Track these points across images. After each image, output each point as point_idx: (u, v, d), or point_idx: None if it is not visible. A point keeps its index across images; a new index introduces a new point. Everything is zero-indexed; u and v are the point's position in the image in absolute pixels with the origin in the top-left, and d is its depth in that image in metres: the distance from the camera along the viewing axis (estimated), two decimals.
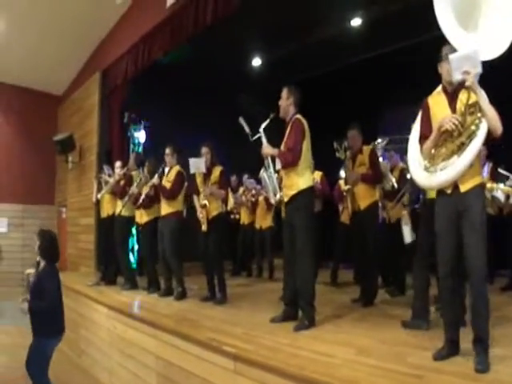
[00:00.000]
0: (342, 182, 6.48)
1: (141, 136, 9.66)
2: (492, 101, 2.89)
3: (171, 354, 4.23)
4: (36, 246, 4.64)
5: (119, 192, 6.74)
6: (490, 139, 2.89)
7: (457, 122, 2.88)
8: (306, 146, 4.26)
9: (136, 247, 8.63)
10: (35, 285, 4.58)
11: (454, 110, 3.00)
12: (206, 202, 5.49)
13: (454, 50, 2.95)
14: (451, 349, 3.00)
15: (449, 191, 2.98)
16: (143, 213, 6.38)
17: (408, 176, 5.49)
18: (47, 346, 4.55)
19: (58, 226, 10.71)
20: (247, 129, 4.78)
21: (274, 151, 4.39)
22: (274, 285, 6.66)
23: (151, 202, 6.22)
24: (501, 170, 5.39)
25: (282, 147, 4.39)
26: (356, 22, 8.08)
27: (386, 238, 5.66)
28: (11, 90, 10.67)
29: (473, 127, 2.86)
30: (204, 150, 5.66)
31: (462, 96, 2.97)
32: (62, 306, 4.73)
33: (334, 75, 9.39)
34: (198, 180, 5.68)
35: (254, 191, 8.22)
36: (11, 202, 10.56)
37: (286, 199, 4.33)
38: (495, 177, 5.39)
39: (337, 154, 5.56)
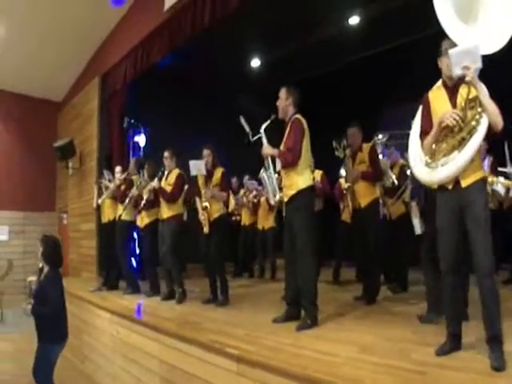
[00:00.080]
0: (342, 181, 6.46)
1: (141, 140, 9.67)
2: (492, 95, 2.86)
3: (174, 357, 4.21)
4: (39, 252, 4.63)
5: (120, 197, 6.73)
6: (490, 134, 2.86)
7: (457, 118, 2.86)
8: (306, 145, 4.25)
9: (137, 251, 8.62)
10: (39, 290, 4.58)
11: (454, 105, 2.98)
12: (207, 204, 5.47)
13: (454, 45, 2.92)
14: (453, 344, 2.98)
15: (450, 187, 2.96)
16: (144, 215, 6.37)
17: (408, 172, 5.48)
18: (51, 351, 4.55)
19: (59, 232, 10.69)
20: (247, 128, 4.77)
21: (274, 151, 4.38)
22: (276, 285, 6.64)
23: (152, 205, 6.20)
24: (500, 169, 5.37)
25: (282, 147, 4.38)
26: (354, 20, 8.10)
27: (387, 234, 5.66)
28: (10, 98, 10.66)
29: (473, 122, 2.84)
30: (205, 151, 5.65)
31: (463, 91, 2.95)
32: (66, 312, 4.74)
33: (333, 74, 9.38)
34: (200, 182, 5.67)
35: (255, 192, 8.21)
36: (12, 210, 10.53)
37: (285, 199, 4.32)
38: (495, 171, 5.38)
39: (336, 153, 5.56)
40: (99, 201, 7.25)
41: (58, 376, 4.69)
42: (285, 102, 4.37)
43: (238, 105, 9.15)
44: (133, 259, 8.24)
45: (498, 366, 2.60)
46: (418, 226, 4.50)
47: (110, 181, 7.23)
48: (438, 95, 3.13)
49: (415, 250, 5.56)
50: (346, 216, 6.63)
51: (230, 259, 8.43)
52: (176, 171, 6.05)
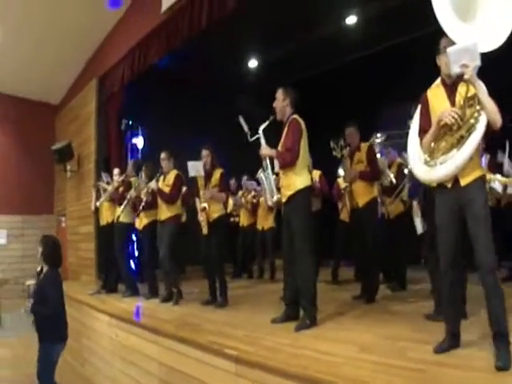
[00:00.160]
0: (340, 181, 6.48)
1: (139, 142, 9.66)
2: (491, 93, 2.84)
3: (173, 359, 4.20)
4: (39, 252, 4.66)
5: (118, 199, 6.72)
6: (489, 132, 2.85)
7: (456, 116, 2.84)
8: (304, 145, 4.25)
9: (136, 254, 8.60)
10: (38, 289, 4.64)
11: (453, 103, 2.97)
12: (205, 205, 5.47)
13: (452, 43, 2.90)
14: (452, 341, 2.98)
15: (449, 185, 2.94)
16: (142, 217, 6.36)
17: (406, 171, 5.48)
18: (53, 351, 4.59)
19: (57, 235, 10.65)
20: (246, 128, 4.76)
21: (272, 152, 4.38)
22: (274, 286, 6.63)
23: (150, 207, 6.19)
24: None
25: (280, 147, 4.38)
26: (351, 20, 8.09)
27: (385, 233, 5.67)
28: (7, 100, 10.65)
29: (472, 120, 2.83)
30: (204, 152, 5.65)
31: (461, 89, 2.93)
32: (65, 312, 4.77)
33: (330, 74, 9.38)
34: (200, 183, 5.66)
35: (253, 193, 8.21)
36: (10, 213, 10.51)
37: (284, 199, 4.31)
38: (493, 168, 5.38)
39: (333, 153, 5.55)
40: (97, 203, 7.23)
41: (57, 379, 4.69)
42: (282, 102, 4.37)
43: (236, 105, 9.14)
44: (131, 261, 8.24)
45: (502, 366, 2.56)
46: (419, 226, 4.49)
47: (108, 183, 7.21)
48: (436, 93, 3.11)
49: (414, 248, 5.57)
50: (344, 216, 6.64)
51: (229, 260, 8.42)
52: (174, 172, 6.05)
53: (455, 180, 2.91)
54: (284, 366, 2.99)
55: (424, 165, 3.04)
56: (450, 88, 3.02)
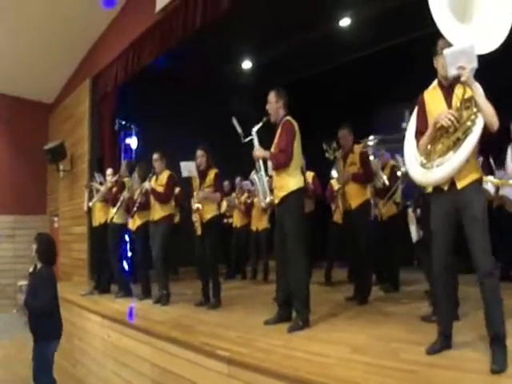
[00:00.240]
0: (333, 182, 6.48)
1: (132, 142, 9.63)
2: (488, 96, 2.83)
3: (165, 360, 4.18)
4: (33, 250, 4.68)
5: (111, 199, 6.69)
6: (486, 134, 2.83)
7: (452, 118, 2.82)
8: (297, 147, 4.25)
9: (129, 254, 8.58)
10: (32, 285, 4.66)
11: (449, 105, 2.95)
12: (198, 205, 5.46)
13: (449, 44, 2.88)
14: (444, 343, 2.99)
15: (445, 188, 2.93)
16: (136, 217, 6.33)
17: (399, 173, 5.49)
18: (47, 349, 4.60)
19: None
20: (239, 129, 4.76)
21: (266, 153, 4.39)
22: (268, 287, 6.61)
23: (144, 208, 6.17)
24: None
25: (273, 149, 4.38)
26: (345, 22, 8.11)
27: (378, 235, 5.69)
28: (0, 99, 10.58)
29: (469, 123, 2.81)
30: (199, 152, 5.63)
31: (458, 91, 2.92)
32: (59, 309, 4.79)
33: (324, 76, 9.41)
34: (194, 184, 5.65)
35: (246, 194, 8.21)
36: (1, 214, 10.43)
37: (276, 200, 4.31)
38: (486, 170, 5.39)
39: (326, 155, 5.56)
40: (90, 204, 7.20)
41: None
42: (275, 104, 4.37)
43: (229, 106, 9.15)
44: (124, 262, 8.21)
45: (498, 369, 2.54)
46: (414, 234, 4.50)
47: (101, 183, 7.18)
48: (433, 95, 3.10)
49: (407, 250, 5.58)
50: (337, 217, 6.65)
51: (223, 261, 8.41)
52: (166, 172, 6.04)
53: (451, 183, 2.90)
54: (277, 368, 2.99)
55: (420, 167, 3.03)
56: (447, 90, 3.01)
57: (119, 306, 5.94)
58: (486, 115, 2.78)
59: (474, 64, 2.79)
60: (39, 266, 4.67)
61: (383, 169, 5.99)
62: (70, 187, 9.70)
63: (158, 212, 5.95)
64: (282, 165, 4.20)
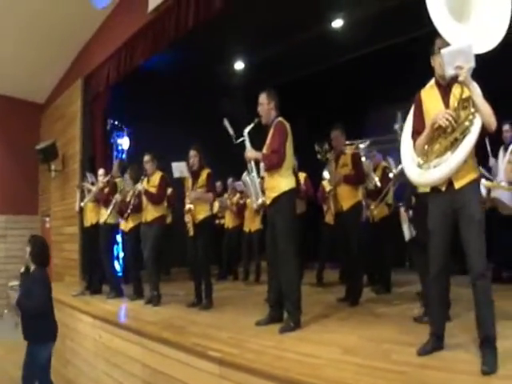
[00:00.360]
0: (325, 183, 6.49)
1: (124, 142, 9.60)
2: (486, 95, 2.82)
3: (157, 361, 4.18)
4: (27, 253, 4.66)
5: (103, 199, 6.67)
6: (484, 134, 2.83)
7: (450, 118, 2.80)
8: (289, 148, 4.26)
9: (121, 255, 8.55)
10: (25, 286, 4.64)
11: (447, 105, 2.93)
12: (190, 206, 5.45)
13: (446, 43, 2.86)
14: (436, 344, 2.99)
15: (443, 188, 2.92)
16: (129, 219, 6.31)
17: (390, 175, 5.50)
18: (40, 351, 4.55)
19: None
20: (231, 131, 4.74)
21: (258, 154, 4.39)
22: (260, 288, 6.62)
23: (137, 210, 6.16)
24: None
25: (265, 150, 4.38)
26: (337, 23, 8.12)
27: (370, 236, 5.71)
28: None
29: (466, 123, 2.79)
30: (192, 152, 5.62)
31: (456, 90, 2.90)
32: (53, 311, 4.76)
33: (317, 77, 9.37)
34: (187, 184, 5.65)
35: (238, 195, 8.21)
36: None
37: (268, 201, 4.31)
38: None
39: (318, 156, 5.57)
40: (82, 204, 7.17)
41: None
42: (267, 106, 4.36)
43: (221, 107, 9.14)
44: (116, 263, 8.19)
45: (488, 370, 2.55)
46: (407, 232, 4.51)
47: (92, 184, 7.15)
48: (430, 94, 3.08)
49: (398, 251, 5.60)
50: (329, 218, 6.66)
51: (215, 262, 8.40)
52: (158, 173, 6.04)
53: (449, 183, 2.88)
54: (268, 369, 2.99)
55: (417, 167, 3.01)
56: (444, 89, 2.99)
57: (111, 306, 5.93)
58: (483, 115, 2.76)
59: (472, 63, 2.77)
60: (33, 268, 4.65)
61: (375, 170, 6.01)
62: (62, 187, 9.65)
63: (150, 213, 5.94)
64: (274, 166, 4.20)
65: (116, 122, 9.34)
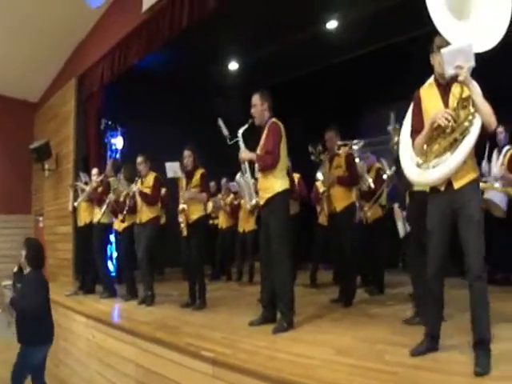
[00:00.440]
0: (319, 184, 6.49)
1: (118, 142, 9.58)
2: (486, 95, 2.79)
3: (150, 361, 4.17)
4: (23, 256, 4.64)
5: (97, 199, 6.66)
6: (483, 134, 2.80)
7: (450, 118, 2.78)
8: (283, 148, 4.26)
9: (115, 255, 8.53)
10: (21, 288, 4.62)
11: (446, 104, 2.91)
12: (184, 206, 5.44)
13: (446, 41, 2.83)
14: (431, 344, 3.00)
15: (442, 188, 2.91)
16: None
17: (384, 176, 5.52)
18: (33, 353, 4.52)
19: (35, 236, 10.47)
20: (225, 131, 4.74)
21: (252, 155, 4.38)
22: (253, 288, 6.61)
23: (133, 211, 6.14)
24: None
25: (259, 151, 4.38)
26: (332, 24, 8.13)
27: (363, 237, 5.72)
28: None
29: (466, 123, 2.76)
30: (186, 153, 5.62)
31: (455, 90, 2.87)
32: (51, 313, 4.75)
33: (311, 77, 9.39)
34: (181, 185, 5.64)
35: (232, 195, 8.21)
36: None
37: (262, 202, 4.32)
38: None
39: (312, 157, 5.58)
40: (75, 203, 7.15)
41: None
42: (260, 107, 4.36)
43: (216, 108, 9.15)
44: (109, 263, 8.17)
45: (481, 372, 2.55)
46: (401, 229, 4.51)
47: (86, 183, 7.13)
48: (429, 93, 3.05)
49: (391, 252, 5.61)
50: (322, 219, 6.66)
51: (208, 262, 8.40)
52: (152, 174, 6.04)
53: (448, 183, 2.87)
54: (261, 369, 3.00)
55: (416, 167, 2.99)
56: (444, 88, 2.96)
57: (104, 306, 5.92)
58: (483, 115, 2.74)
59: (472, 63, 2.74)
60: (28, 270, 4.63)
61: (369, 171, 6.02)
62: (55, 187, 9.61)
63: (145, 213, 5.93)
64: (268, 166, 4.20)
65: (110, 122, 9.31)
